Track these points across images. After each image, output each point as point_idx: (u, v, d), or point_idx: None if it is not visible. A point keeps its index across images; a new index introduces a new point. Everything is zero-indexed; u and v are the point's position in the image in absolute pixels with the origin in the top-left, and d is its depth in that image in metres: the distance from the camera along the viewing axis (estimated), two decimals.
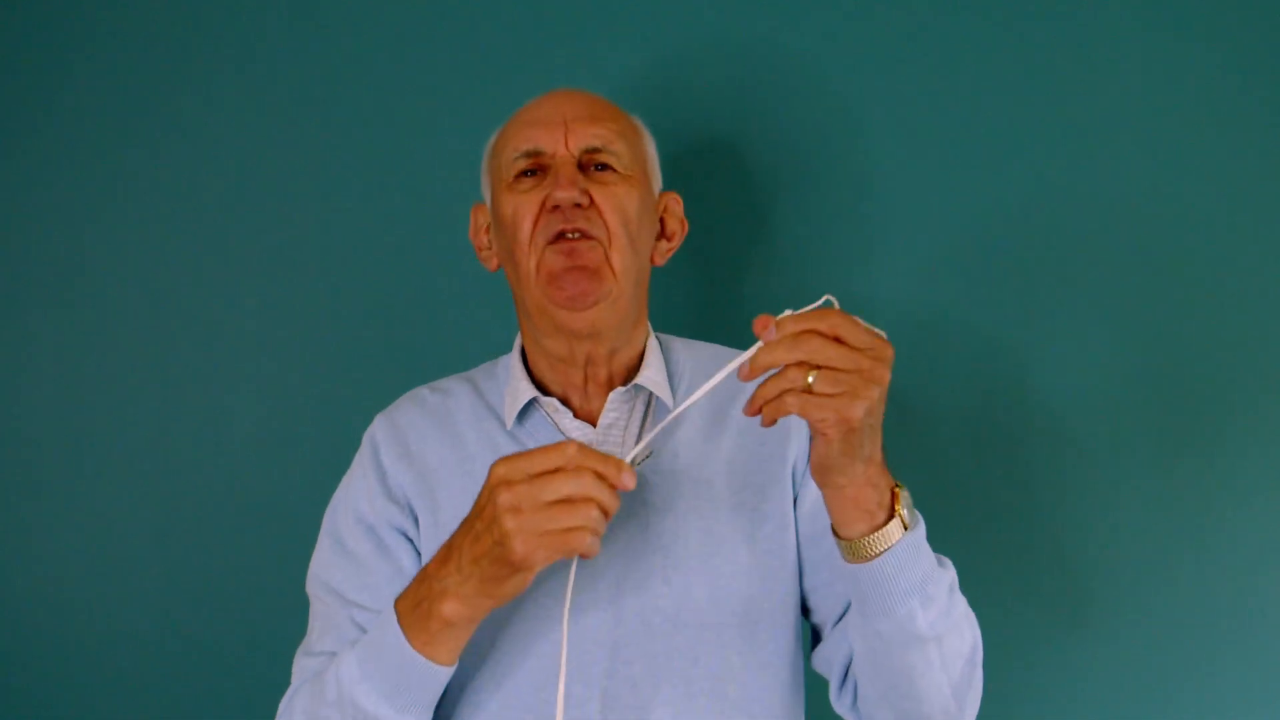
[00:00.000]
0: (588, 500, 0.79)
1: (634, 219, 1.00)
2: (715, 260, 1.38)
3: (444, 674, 0.89)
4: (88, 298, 1.41)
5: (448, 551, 0.86)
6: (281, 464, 1.40)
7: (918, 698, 0.92)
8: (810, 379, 0.77)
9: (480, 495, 0.83)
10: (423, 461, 1.02)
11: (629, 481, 0.80)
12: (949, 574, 0.92)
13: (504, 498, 0.79)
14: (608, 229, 0.99)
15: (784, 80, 1.38)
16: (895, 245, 1.37)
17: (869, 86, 1.37)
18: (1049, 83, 1.36)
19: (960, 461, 1.37)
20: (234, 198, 1.41)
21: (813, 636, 1.06)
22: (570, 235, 0.98)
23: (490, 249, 1.09)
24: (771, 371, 0.80)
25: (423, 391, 1.09)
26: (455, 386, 1.08)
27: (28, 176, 1.41)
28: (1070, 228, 1.36)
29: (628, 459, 0.99)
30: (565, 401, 1.03)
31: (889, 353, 0.80)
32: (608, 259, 0.99)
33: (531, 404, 1.03)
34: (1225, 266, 1.35)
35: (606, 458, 0.80)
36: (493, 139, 1.08)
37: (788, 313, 0.80)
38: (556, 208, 0.98)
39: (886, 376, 0.79)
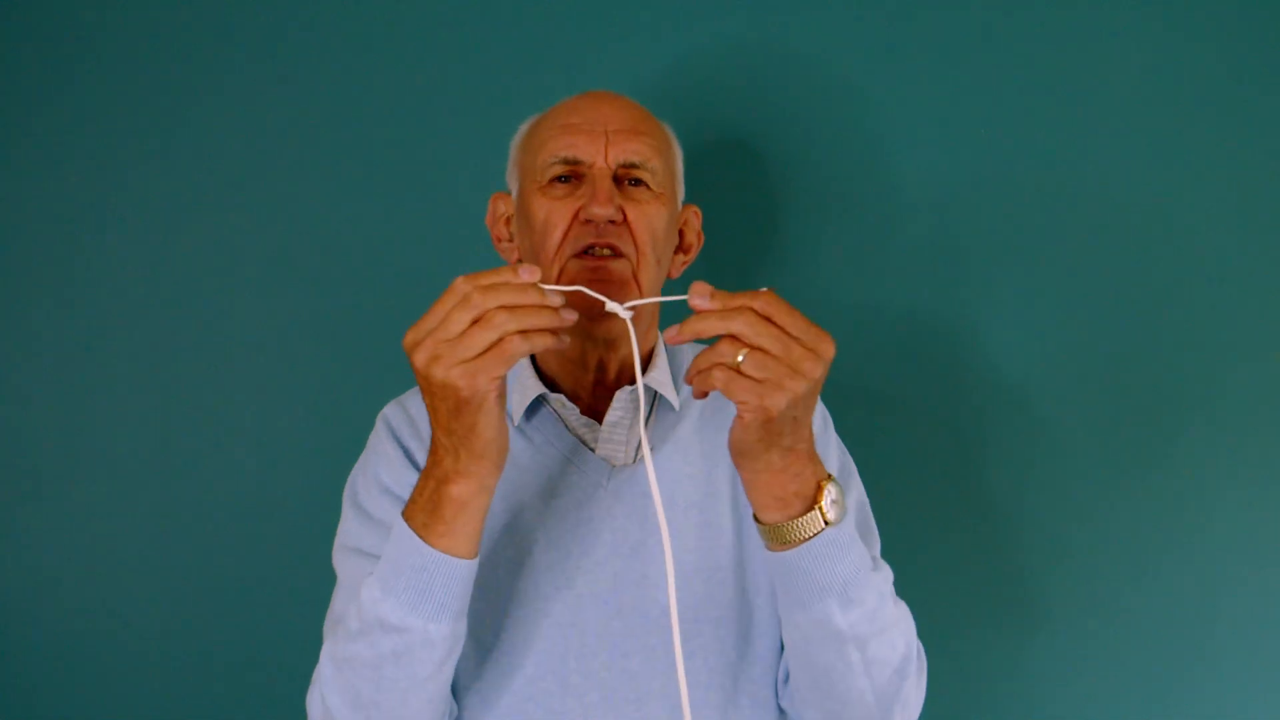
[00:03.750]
0: (491, 313, 0.76)
1: (661, 236, 1.01)
2: (727, 261, 1.39)
3: (466, 569, 0.86)
4: (88, 298, 1.41)
5: (431, 448, 0.85)
6: (281, 464, 1.40)
7: (839, 700, 0.90)
8: (740, 358, 0.76)
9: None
10: None
11: (526, 275, 0.78)
12: (880, 578, 0.90)
13: (419, 358, 0.79)
14: (637, 247, 0.99)
15: (795, 81, 1.39)
16: (906, 246, 1.38)
17: (880, 87, 1.39)
18: (1055, 84, 1.38)
19: (930, 456, 1.38)
20: (234, 198, 1.41)
21: None
22: (599, 251, 0.98)
23: (511, 241, 1.09)
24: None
25: None
26: None
27: (28, 176, 1.41)
28: (1052, 225, 1.38)
29: (630, 458, 1.02)
30: (572, 398, 1.05)
31: (827, 348, 0.78)
32: (635, 275, 0.99)
33: (539, 401, 1.04)
34: (1211, 263, 1.37)
35: (494, 270, 0.78)
36: (525, 130, 1.08)
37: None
38: (589, 221, 0.98)
39: (817, 371, 0.77)
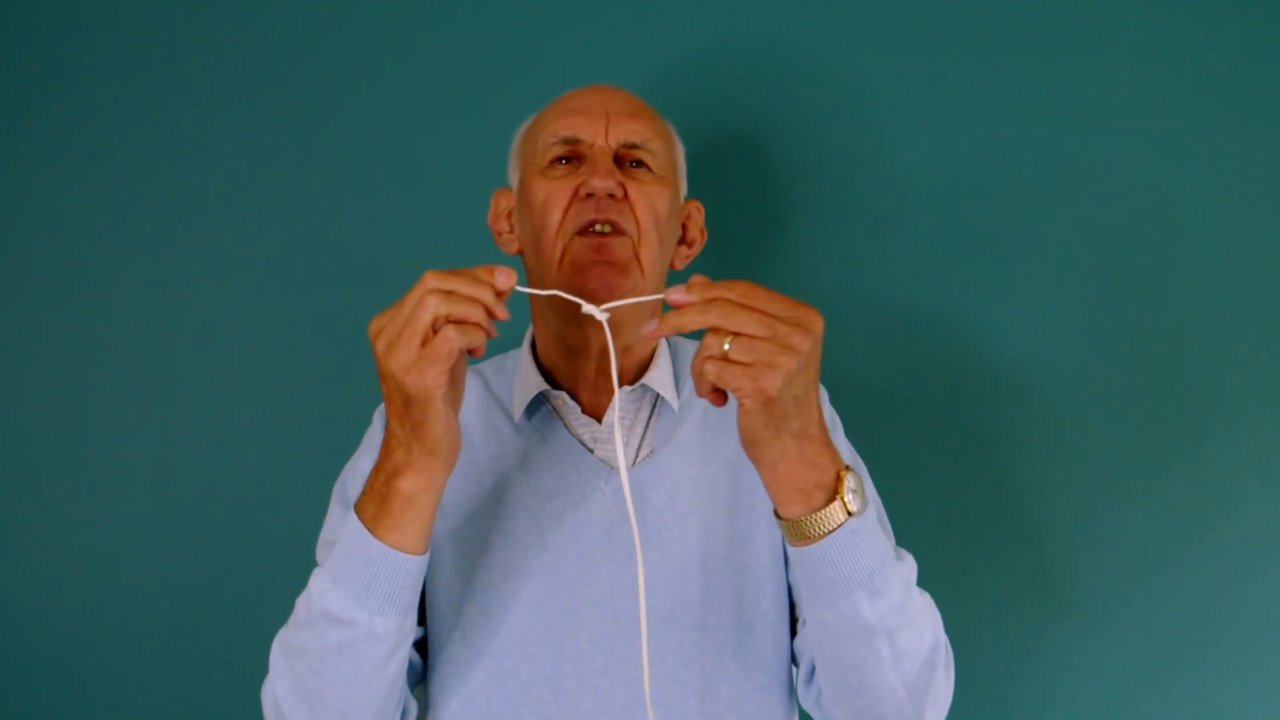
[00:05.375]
0: (426, 295, 0.77)
1: (663, 218, 1.00)
2: (730, 258, 1.38)
3: (413, 565, 0.86)
4: (88, 298, 1.41)
5: (385, 438, 0.85)
6: (281, 464, 1.40)
7: (870, 695, 0.88)
8: (726, 346, 0.76)
9: None
10: None
11: (502, 278, 0.79)
12: (905, 567, 0.88)
13: (379, 346, 0.80)
14: (639, 224, 0.98)
15: (798, 78, 1.39)
16: (911, 240, 1.38)
17: (883, 84, 1.38)
18: (1057, 79, 1.37)
19: (941, 453, 1.37)
20: (234, 197, 1.41)
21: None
22: (600, 228, 0.97)
23: (511, 233, 1.08)
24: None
25: None
26: None
27: (28, 176, 1.41)
28: (1059, 221, 1.37)
29: (630, 460, 1.01)
30: (574, 397, 1.03)
31: (813, 322, 0.77)
32: (636, 254, 0.98)
33: (539, 399, 1.04)
34: (1209, 256, 1.36)
35: (469, 269, 0.79)
36: (526, 125, 1.08)
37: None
38: (590, 196, 0.97)
39: (806, 345, 0.76)
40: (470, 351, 0.80)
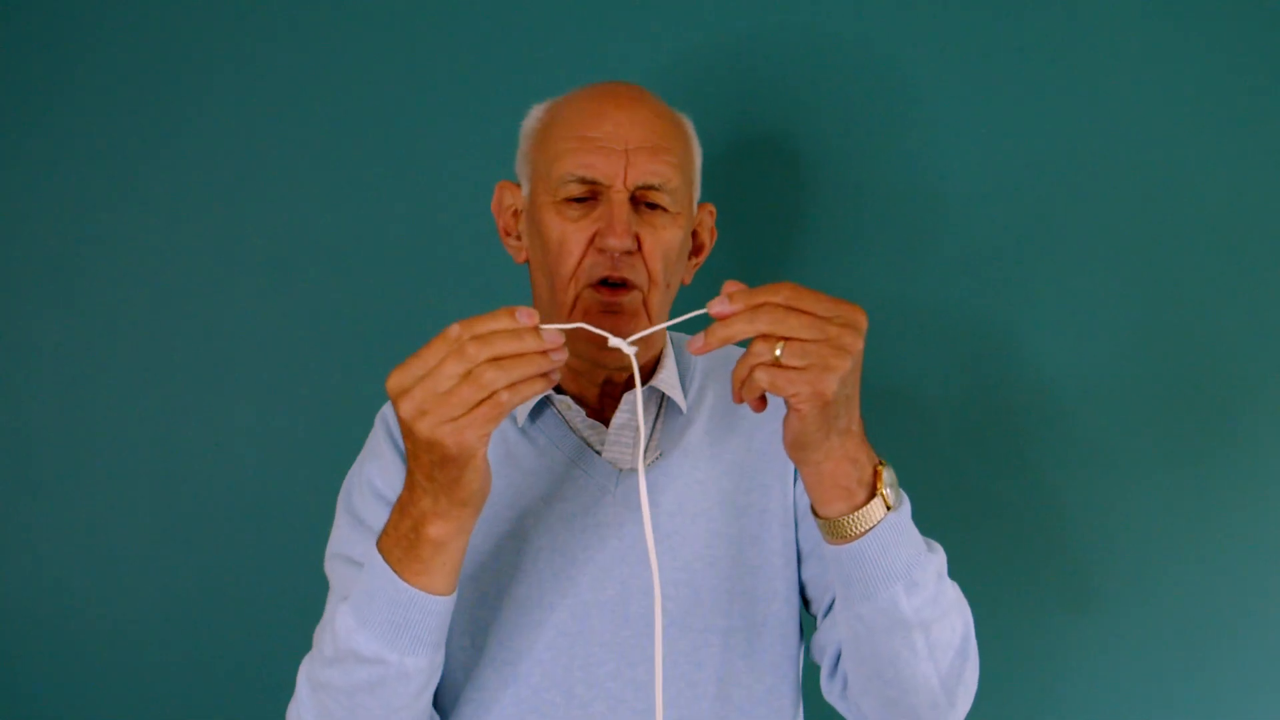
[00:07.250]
0: (480, 369, 0.73)
1: (675, 259, 0.99)
2: (750, 257, 1.39)
3: (442, 605, 0.84)
4: (88, 298, 1.41)
5: (409, 483, 0.81)
6: (281, 464, 1.40)
7: (903, 687, 0.89)
8: (778, 352, 0.75)
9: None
10: None
11: (525, 318, 0.74)
12: (937, 558, 0.89)
13: (405, 409, 0.74)
14: (650, 275, 0.97)
15: (820, 76, 1.39)
16: (928, 241, 1.38)
17: (912, 82, 1.38)
18: (1077, 80, 1.37)
19: (961, 452, 1.38)
20: (235, 197, 1.41)
21: (813, 625, 1.06)
22: (613, 284, 0.96)
23: (519, 240, 1.06)
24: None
25: None
26: None
27: (28, 176, 1.41)
28: (1082, 223, 1.37)
29: (638, 463, 1.01)
30: (579, 399, 1.03)
31: (860, 319, 0.77)
32: (645, 303, 0.98)
33: (544, 402, 1.03)
34: (1231, 260, 1.36)
35: (492, 315, 0.74)
36: (538, 121, 1.03)
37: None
38: (604, 250, 0.95)
39: (858, 344, 0.76)
40: None
